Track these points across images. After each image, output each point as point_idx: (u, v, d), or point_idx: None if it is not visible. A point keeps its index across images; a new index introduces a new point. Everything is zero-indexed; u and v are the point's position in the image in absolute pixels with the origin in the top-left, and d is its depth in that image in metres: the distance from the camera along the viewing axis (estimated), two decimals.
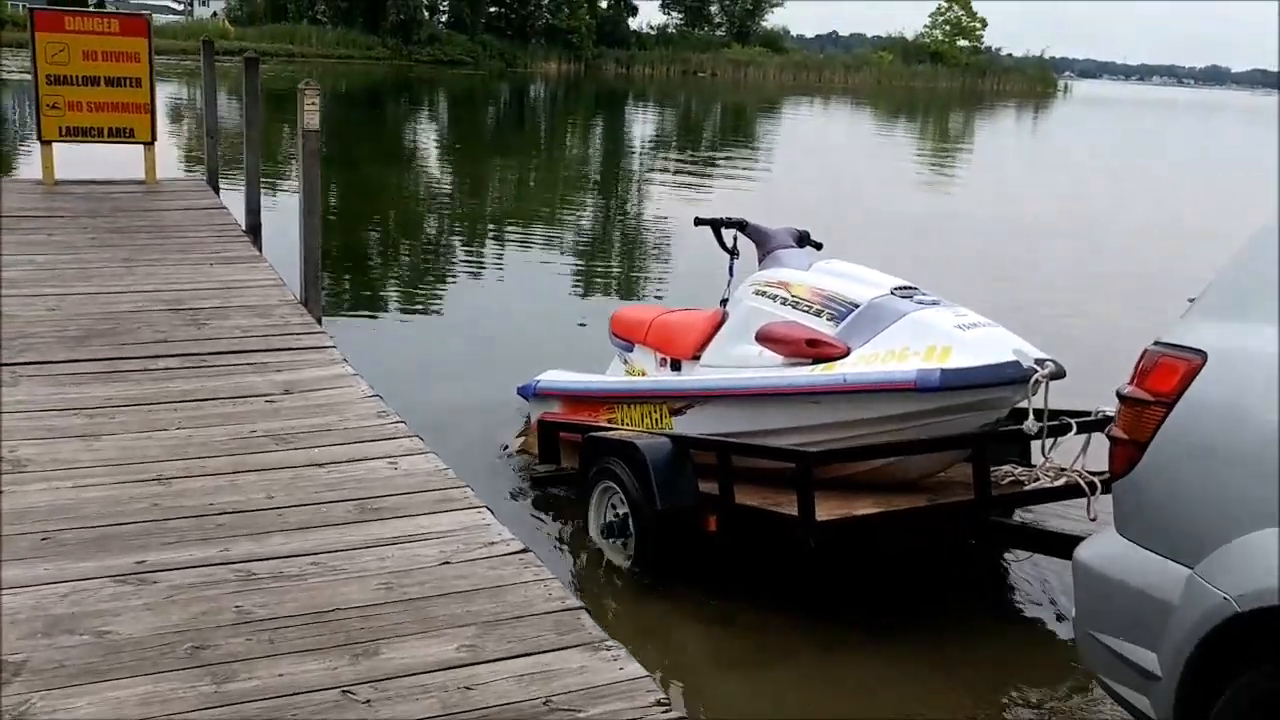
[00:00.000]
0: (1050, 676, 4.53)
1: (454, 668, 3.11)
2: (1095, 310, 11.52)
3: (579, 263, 13.38)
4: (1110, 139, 44.32)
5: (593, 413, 6.03)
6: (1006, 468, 5.01)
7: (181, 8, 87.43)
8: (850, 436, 4.83)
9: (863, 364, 4.77)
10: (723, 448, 4.83)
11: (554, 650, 3.24)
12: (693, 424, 5.37)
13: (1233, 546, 2.82)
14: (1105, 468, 4.79)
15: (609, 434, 5.33)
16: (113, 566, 3.58)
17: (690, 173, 23.39)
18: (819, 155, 29.24)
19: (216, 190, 11.53)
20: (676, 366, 5.80)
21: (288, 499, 4.16)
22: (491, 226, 15.87)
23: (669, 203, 18.46)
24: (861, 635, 4.73)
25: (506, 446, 6.74)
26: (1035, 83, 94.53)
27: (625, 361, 6.26)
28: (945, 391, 4.53)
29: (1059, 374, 4.59)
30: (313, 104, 7.38)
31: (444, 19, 74.98)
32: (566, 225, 16.21)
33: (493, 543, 3.89)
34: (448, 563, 3.73)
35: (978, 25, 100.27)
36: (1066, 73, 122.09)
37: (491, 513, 4.18)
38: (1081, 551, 3.38)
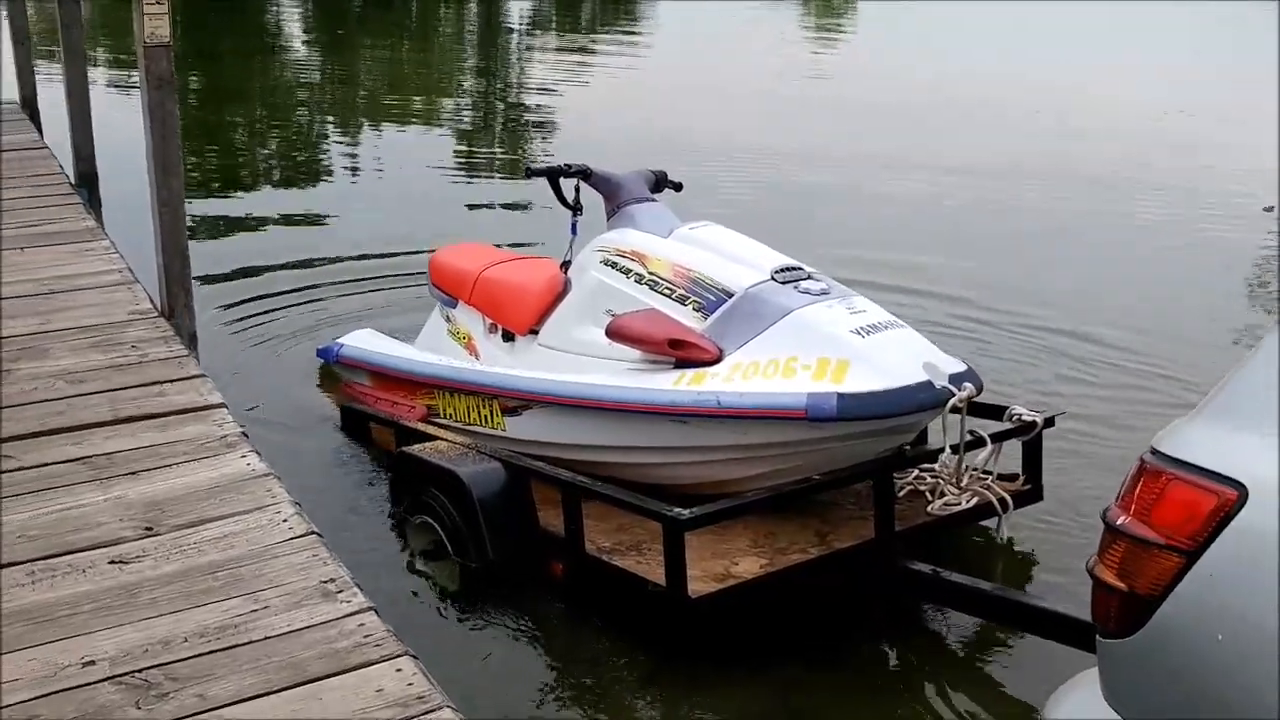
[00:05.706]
0: None
1: None
2: None
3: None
4: None
5: (409, 395, 5.16)
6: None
7: None
8: (722, 461, 4.18)
9: (739, 376, 4.03)
10: (572, 490, 4.03)
11: None
12: (530, 428, 4.63)
13: None
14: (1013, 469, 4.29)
15: (426, 454, 4.40)
16: None
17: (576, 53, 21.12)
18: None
19: (36, 122, 8.93)
20: (509, 337, 5.00)
21: None
22: (370, 133, 13.89)
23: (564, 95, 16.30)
24: None
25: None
26: None
27: (448, 319, 5.37)
28: (842, 422, 3.79)
29: (977, 392, 3.99)
30: (157, 3, 4.89)
31: None
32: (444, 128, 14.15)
33: None
34: None
35: None
36: None
37: None
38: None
